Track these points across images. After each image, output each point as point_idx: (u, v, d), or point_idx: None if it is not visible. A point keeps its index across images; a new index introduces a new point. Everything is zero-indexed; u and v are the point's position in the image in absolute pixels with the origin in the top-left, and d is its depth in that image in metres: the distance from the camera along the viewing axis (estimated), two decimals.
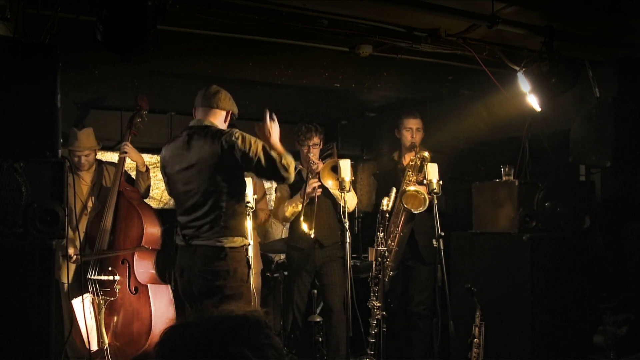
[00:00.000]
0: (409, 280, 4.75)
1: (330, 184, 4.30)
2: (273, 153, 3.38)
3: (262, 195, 4.75)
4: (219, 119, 3.58)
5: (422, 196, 4.26)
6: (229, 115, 3.65)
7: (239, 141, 3.34)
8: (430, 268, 4.67)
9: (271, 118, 3.53)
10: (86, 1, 2.68)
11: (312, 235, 4.41)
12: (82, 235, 4.37)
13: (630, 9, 3.42)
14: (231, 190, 3.45)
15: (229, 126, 3.65)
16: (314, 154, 4.57)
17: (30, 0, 2.82)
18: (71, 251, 4.21)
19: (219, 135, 3.40)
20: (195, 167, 3.45)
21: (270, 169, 3.37)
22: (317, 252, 4.58)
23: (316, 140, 4.60)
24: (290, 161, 3.41)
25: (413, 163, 4.48)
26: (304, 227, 4.43)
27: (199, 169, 3.44)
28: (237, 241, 3.45)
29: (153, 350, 1.22)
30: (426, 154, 4.35)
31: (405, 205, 4.30)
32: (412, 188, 4.33)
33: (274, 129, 3.51)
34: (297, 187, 4.60)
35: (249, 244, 3.59)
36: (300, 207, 4.50)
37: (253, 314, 1.25)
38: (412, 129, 4.74)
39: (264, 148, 3.37)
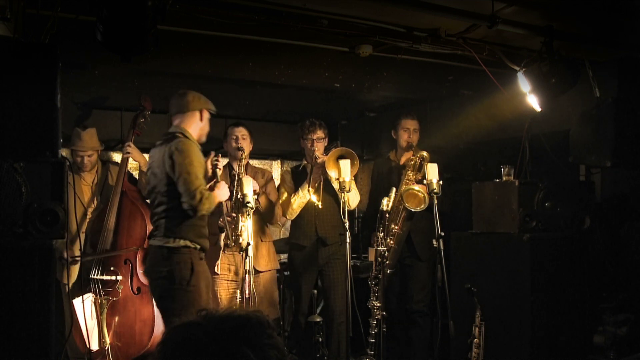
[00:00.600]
0: (407, 279, 4.75)
1: (335, 174, 4.25)
2: (199, 187, 3.47)
3: (273, 190, 4.71)
4: (193, 121, 3.69)
5: (423, 195, 4.26)
6: (203, 114, 3.72)
7: (176, 153, 3.52)
8: (428, 265, 4.69)
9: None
10: (86, 1, 2.68)
11: (320, 206, 4.42)
12: (82, 235, 4.37)
13: (630, 9, 3.42)
14: (175, 195, 3.55)
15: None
16: (319, 149, 4.54)
17: (30, 0, 2.82)
18: (72, 253, 4.21)
19: (170, 140, 3.60)
20: (151, 169, 3.71)
21: (183, 193, 3.49)
22: (320, 250, 4.57)
23: (320, 134, 4.56)
24: (207, 203, 3.49)
25: (412, 162, 4.48)
26: (313, 198, 4.43)
27: (153, 171, 3.68)
28: (180, 243, 3.51)
29: (155, 349, 1.23)
30: (425, 153, 4.36)
31: (406, 204, 4.30)
32: (416, 187, 4.33)
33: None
34: (300, 184, 4.60)
35: (199, 247, 3.61)
36: (307, 196, 4.49)
37: (255, 314, 1.25)
38: (409, 130, 4.74)
39: (189, 173, 3.48)
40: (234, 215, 4.22)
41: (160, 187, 3.62)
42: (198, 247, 3.57)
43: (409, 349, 4.76)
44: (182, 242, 3.50)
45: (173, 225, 3.54)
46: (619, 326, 3.95)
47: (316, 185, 4.48)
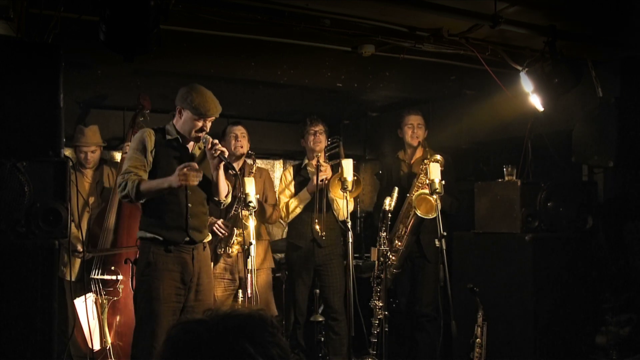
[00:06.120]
0: (416, 280, 4.70)
1: (339, 199, 4.28)
2: (122, 174, 3.43)
3: (270, 189, 4.71)
4: (176, 116, 3.63)
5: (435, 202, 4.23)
6: (179, 111, 3.59)
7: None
8: (435, 267, 4.66)
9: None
10: (89, 1, 2.68)
11: (323, 237, 4.42)
12: (84, 233, 4.38)
13: (632, 9, 3.41)
14: None
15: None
16: (321, 141, 4.56)
17: (33, 0, 2.83)
18: (80, 247, 4.22)
19: None
20: None
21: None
22: (316, 250, 4.57)
23: (321, 127, 4.59)
24: (127, 187, 3.37)
25: (425, 167, 4.43)
26: (317, 228, 4.42)
27: None
28: (141, 235, 3.52)
29: (160, 346, 1.24)
30: (439, 157, 4.16)
31: (417, 211, 4.26)
32: (427, 191, 4.29)
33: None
34: (301, 185, 4.59)
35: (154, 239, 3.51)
36: (303, 206, 4.49)
37: (258, 312, 1.26)
38: (413, 125, 4.72)
39: (125, 160, 3.55)
40: (227, 229, 4.23)
41: None
42: (160, 238, 3.49)
43: (414, 350, 4.74)
44: (144, 234, 3.52)
45: (142, 218, 3.57)
46: (621, 326, 3.95)
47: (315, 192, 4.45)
